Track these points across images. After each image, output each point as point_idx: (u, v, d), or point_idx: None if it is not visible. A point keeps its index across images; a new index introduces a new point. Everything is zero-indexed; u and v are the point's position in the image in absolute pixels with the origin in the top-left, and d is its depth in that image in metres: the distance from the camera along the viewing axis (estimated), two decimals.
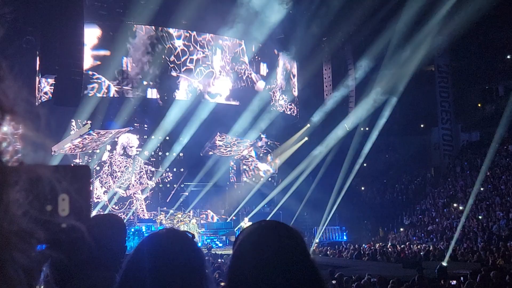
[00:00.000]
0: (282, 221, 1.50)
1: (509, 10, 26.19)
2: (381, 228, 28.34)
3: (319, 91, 30.48)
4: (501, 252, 16.79)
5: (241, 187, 29.85)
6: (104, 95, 23.84)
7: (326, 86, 30.82)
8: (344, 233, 28.41)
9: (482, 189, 25.89)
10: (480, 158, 28.34)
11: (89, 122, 24.04)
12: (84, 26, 18.52)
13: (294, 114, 30.56)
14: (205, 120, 25.59)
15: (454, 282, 10.99)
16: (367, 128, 30.02)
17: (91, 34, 22.69)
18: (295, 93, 30.40)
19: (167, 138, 26.52)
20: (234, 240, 1.45)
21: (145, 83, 24.75)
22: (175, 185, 27.71)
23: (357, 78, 29.56)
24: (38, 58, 21.34)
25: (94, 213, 22.62)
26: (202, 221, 26.28)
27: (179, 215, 24.43)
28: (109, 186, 25.43)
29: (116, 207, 25.20)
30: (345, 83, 30.00)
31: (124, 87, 24.27)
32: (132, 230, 21.82)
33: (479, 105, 34.79)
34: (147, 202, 26.40)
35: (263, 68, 28.52)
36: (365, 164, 29.83)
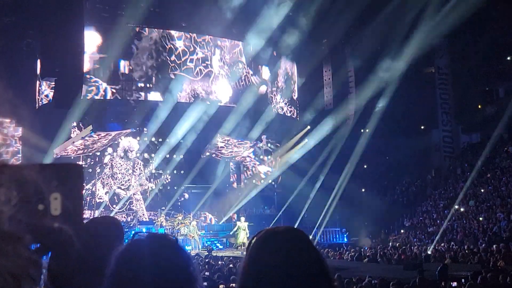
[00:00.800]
0: (283, 224, 1.51)
1: (509, 12, 26.19)
2: (382, 230, 28.27)
3: (319, 92, 30.49)
4: (502, 254, 16.74)
5: (241, 189, 29.83)
6: (102, 98, 23.97)
7: (326, 88, 30.82)
8: (345, 235, 28.37)
9: (482, 190, 25.87)
10: (481, 159, 28.30)
11: (91, 125, 24.15)
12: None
13: (294, 116, 30.61)
14: (206, 122, 25.65)
15: (455, 283, 10.95)
16: (367, 130, 30.02)
17: (88, 37, 22.70)
18: (295, 96, 30.52)
19: (167, 140, 26.58)
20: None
21: (143, 85, 24.83)
22: (175, 187, 27.70)
23: (357, 78, 29.56)
24: (38, 61, 21.39)
25: (96, 213, 22.88)
26: (202, 223, 26.25)
27: (180, 217, 24.40)
28: (110, 187, 25.50)
29: (117, 207, 25.42)
30: (345, 84, 30.02)
31: (121, 90, 24.45)
32: (133, 232, 21.77)
33: (480, 106, 34.77)
34: (147, 203, 26.46)
35: (265, 72, 28.77)
36: (365, 166, 29.81)
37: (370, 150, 29.06)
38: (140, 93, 25.44)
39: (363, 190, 32.82)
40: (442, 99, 34.68)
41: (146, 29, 25.34)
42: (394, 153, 33.15)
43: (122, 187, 25.87)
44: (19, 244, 0.58)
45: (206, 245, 23.92)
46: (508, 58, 32.57)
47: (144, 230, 22.43)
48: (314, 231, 26.96)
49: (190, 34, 26.27)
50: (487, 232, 21.95)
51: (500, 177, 26.74)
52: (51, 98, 21.08)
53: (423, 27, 25.69)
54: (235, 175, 30.67)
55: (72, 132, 24.58)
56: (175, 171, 27.85)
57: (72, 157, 24.62)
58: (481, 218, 23.76)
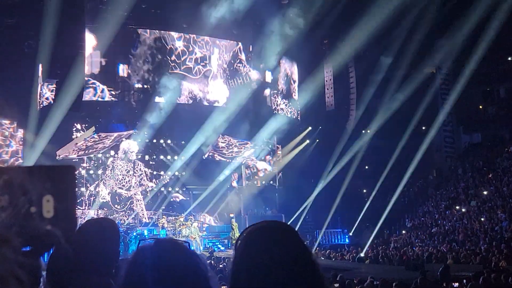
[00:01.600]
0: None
1: (510, 12, 26.15)
2: (384, 230, 28.23)
3: (320, 93, 30.47)
4: (504, 254, 16.71)
5: (242, 190, 29.82)
6: (99, 99, 24.11)
7: (328, 89, 30.81)
8: (346, 236, 28.35)
9: (485, 192, 25.84)
10: (482, 159, 28.29)
11: (93, 126, 24.27)
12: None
13: (295, 117, 30.64)
14: (206, 123, 25.71)
15: (456, 284, 10.93)
16: (368, 131, 30.01)
17: (87, 40, 22.79)
18: (296, 97, 30.56)
19: (169, 141, 26.61)
20: (236, 241, 1.44)
21: (140, 86, 24.95)
22: (177, 188, 27.71)
23: (358, 79, 29.56)
24: (40, 63, 21.45)
25: (99, 212, 23.00)
26: (204, 225, 26.25)
27: (181, 219, 24.39)
28: (112, 187, 25.74)
29: (118, 207, 25.72)
30: (346, 85, 30.02)
31: (121, 94, 24.68)
32: (134, 234, 21.82)
33: (481, 107, 34.74)
34: (147, 203, 26.58)
35: (268, 76, 29.01)
36: (366, 167, 29.77)
37: (371, 150, 29.02)
38: (140, 95, 25.54)
39: (364, 190, 32.77)
40: (443, 99, 34.64)
41: (148, 30, 25.44)
42: (395, 154, 33.09)
43: (123, 188, 26.03)
44: (6, 246, 0.57)
45: (208, 246, 23.91)
46: (509, 58, 32.55)
47: (146, 232, 22.50)
48: (315, 232, 26.95)
49: (190, 35, 26.56)
50: (488, 232, 21.93)
51: (502, 177, 26.71)
52: (52, 101, 21.15)
53: (424, 26, 25.69)
54: (236, 177, 30.64)
55: (74, 133, 24.65)
56: (176, 172, 27.88)
57: (76, 159, 24.80)
58: (482, 219, 23.73)
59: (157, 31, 25.67)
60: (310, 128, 30.41)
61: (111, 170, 26.05)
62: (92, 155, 25.39)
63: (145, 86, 25.26)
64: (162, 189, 27.48)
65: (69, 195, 0.71)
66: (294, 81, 30.67)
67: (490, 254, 17.17)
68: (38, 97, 23.83)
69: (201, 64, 26.76)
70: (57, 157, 23.47)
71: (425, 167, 33.71)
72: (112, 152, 26.07)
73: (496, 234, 21.48)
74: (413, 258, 18.90)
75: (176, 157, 27.39)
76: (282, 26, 26.88)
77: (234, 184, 29.86)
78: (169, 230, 23.28)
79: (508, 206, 23.53)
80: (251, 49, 28.23)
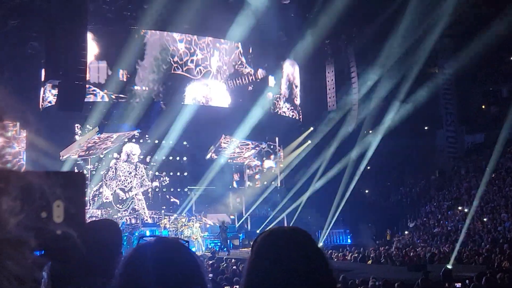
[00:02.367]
0: (286, 225, 1.53)
1: None
2: (387, 231, 28.19)
3: (322, 94, 30.46)
4: (507, 254, 16.68)
5: (244, 191, 29.84)
6: (100, 100, 24.29)
7: (329, 89, 30.80)
8: (348, 236, 28.34)
9: (488, 194, 25.80)
10: (485, 160, 28.23)
11: (97, 126, 24.34)
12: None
13: (297, 118, 30.68)
14: (208, 123, 25.76)
15: (459, 285, 10.92)
16: (370, 131, 29.98)
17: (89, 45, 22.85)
18: (297, 102, 30.71)
19: (170, 142, 26.66)
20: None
21: (139, 88, 25.07)
22: (179, 189, 27.76)
23: (360, 80, 29.53)
24: (43, 65, 21.47)
25: (102, 211, 23.13)
26: (207, 225, 26.29)
27: (183, 219, 24.44)
28: (113, 188, 25.96)
29: (120, 206, 25.99)
30: (348, 86, 29.99)
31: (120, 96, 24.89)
32: (136, 234, 21.88)
33: (483, 107, 34.70)
34: (148, 202, 26.71)
35: (271, 80, 29.20)
36: (368, 167, 29.76)
37: (373, 151, 28.99)
38: (142, 98, 25.67)
39: (366, 191, 32.78)
40: (446, 99, 34.61)
41: (148, 31, 25.52)
42: (398, 154, 33.11)
43: (125, 189, 26.18)
44: (26, 248, 0.59)
45: (210, 247, 23.95)
46: None
47: (148, 232, 22.55)
48: (318, 232, 26.94)
49: (191, 36, 26.72)
50: (491, 233, 21.90)
51: (505, 177, 26.67)
52: (54, 102, 21.18)
53: (426, 26, 25.66)
54: (238, 177, 30.68)
55: (78, 134, 24.74)
56: (178, 173, 27.92)
57: (80, 160, 24.95)
58: (485, 219, 23.70)
59: (158, 32, 25.73)
60: (311, 128, 30.41)
61: (113, 171, 26.22)
62: (94, 156, 25.48)
63: (146, 88, 25.33)
64: (164, 190, 27.55)
65: (79, 201, 0.73)
66: (296, 86, 30.86)
67: (493, 255, 17.15)
68: (41, 98, 23.90)
69: (202, 65, 27.01)
70: (61, 158, 23.54)
71: (428, 168, 33.71)
72: (116, 155, 26.24)
73: (499, 234, 21.46)
74: (416, 259, 18.91)
75: (178, 158, 27.42)
76: (283, 27, 26.90)
77: (236, 178, 29.92)
78: (171, 231, 23.33)
79: (511, 207, 23.51)
80: (250, 51, 28.40)
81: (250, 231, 27.48)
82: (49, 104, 23.26)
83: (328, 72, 30.89)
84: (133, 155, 26.58)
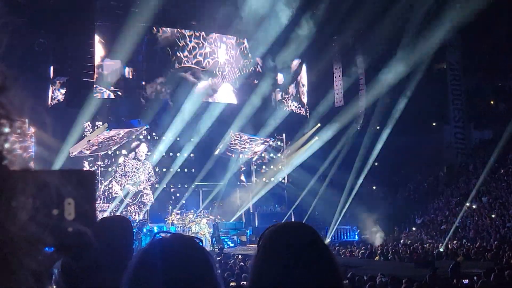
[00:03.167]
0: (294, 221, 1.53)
1: None
2: (394, 227, 28.14)
3: (329, 90, 30.41)
4: None
5: (251, 187, 29.88)
6: (107, 97, 24.45)
7: (337, 85, 30.74)
8: (356, 233, 28.31)
9: (496, 190, 25.67)
10: (493, 156, 28.06)
11: (106, 123, 24.47)
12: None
13: (304, 115, 30.69)
14: (216, 119, 25.84)
15: (466, 281, 10.89)
16: (378, 127, 29.89)
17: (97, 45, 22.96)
18: (305, 100, 30.78)
19: (178, 138, 26.74)
20: (259, 239, 1.48)
21: (152, 86, 25.21)
22: (186, 186, 27.83)
23: (368, 76, 29.45)
24: (51, 62, 21.60)
25: (112, 205, 23.28)
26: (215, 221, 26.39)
27: (190, 216, 24.51)
28: (122, 183, 26.24)
29: (130, 200, 26.25)
30: (355, 82, 29.93)
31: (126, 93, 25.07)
32: (144, 230, 21.97)
33: (492, 102, 34.47)
34: (155, 197, 26.86)
35: (280, 78, 29.29)
36: (376, 163, 29.70)
37: (381, 147, 28.92)
38: (150, 93, 25.81)
39: (374, 187, 32.71)
40: (454, 95, 34.41)
41: (160, 29, 25.77)
42: (406, 150, 32.99)
43: (133, 184, 26.36)
44: (42, 245, 0.61)
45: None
46: None
47: (155, 228, 22.63)
48: (325, 228, 26.94)
49: (199, 32, 27.09)
50: (499, 229, 21.79)
51: None
52: (64, 98, 21.32)
53: (434, 22, 25.52)
54: (245, 174, 30.68)
55: (86, 130, 24.87)
56: (185, 170, 27.98)
57: (89, 157, 25.09)
58: (493, 215, 23.58)
59: (169, 29, 26.03)
60: (319, 125, 30.38)
61: (122, 168, 26.39)
62: (103, 152, 25.62)
63: (153, 85, 25.46)
64: (172, 185, 27.64)
65: (89, 199, 0.74)
66: (303, 85, 30.94)
67: (501, 251, 17.07)
68: (50, 95, 24.00)
69: (210, 57, 27.58)
70: (70, 155, 23.66)
71: (436, 164, 33.56)
72: (125, 152, 26.42)
73: (507, 230, 21.35)
74: (423, 255, 18.86)
75: (185, 154, 27.49)
76: (291, 24, 26.86)
77: (242, 178, 29.97)
78: (178, 227, 23.40)
79: None
80: (256, 46, 28.62)
81: (257, 227, 27.54)
82: (57, 102, 23.39)
83: (336, 68, 30.83)
84: (142, 152, 26.79)
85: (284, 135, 30.82)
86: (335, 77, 30.77)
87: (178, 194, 27.64)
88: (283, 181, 30.50)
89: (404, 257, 19.02)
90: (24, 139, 0.61)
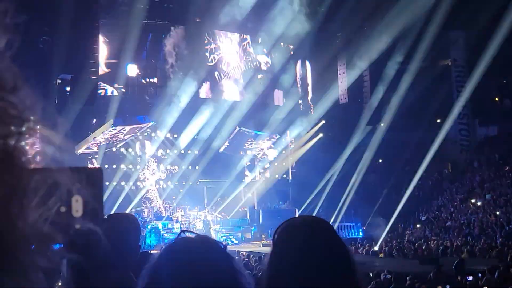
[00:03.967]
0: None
1: None
2: (398, 224, 28.08)
3: (333, 86, 30.36)
4: None
5: (255, 184, 29.87)
6: (111, 94, 24.50)
7: (341, 82, 30.68)
8: (360, 230, 28.27)
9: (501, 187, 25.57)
10: (498, 152, 27.97)
11: (111, 119, 24.50)
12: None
13: (308, 111, 30.68)
14: (220, 116, 25.87)
15: (470, 278, 10.87)
16: (382, 124, 29.82)
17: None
18: (309, 97, 30.78)
19: (182, 135, 26.76)
20: (273, 234, 1.45)
21: (157, 82, 25.22)
22: (190, 183, 27.87)
23: (372, 72, 29.38)
24: (56, 59, 21.60)
25: (119, 201, 23.30)
26: (218, 218, 26.43)
27: (195, 212, 24.56)
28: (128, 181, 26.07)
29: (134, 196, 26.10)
30: (359, 78, 29.86)
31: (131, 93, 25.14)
32: (149, 227, 21.99)
33: (497, 99, 34.31)
34: (160, 194, 26.90)
35: (284, 75, 29.42)
36: (380, 160, 29.63)
37: (385, 143, 28.86)
38: (153, 90, 25.85)
39: (378, 184, 32.63)
40: (459, 91, 34.25)
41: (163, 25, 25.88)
42: (409, 147, 32.87)
43: (138, 182, 26.43)
44: (53, 243, 0.62)
45: (222, 240, 24.05)
46: None
47: (160, 225, 22.67)
48: None
49: (203, 28, 27.20)
50: (504, 226, 21.72)
51: None
52: (68, 95, 21.35)
53: (438, 18, 25.40)
54: (250, 170, 30.69)
55: (92, 128, 24.95)
56: (189, 167, 28.01)
57: (95, 153, 25.14)
58: (498, 212, 23.50)
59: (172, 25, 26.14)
60: (323, 121, 30.33)
61: (127, 165, 26.44)
62: (108, 149, 25.67)
63: (156, 81, 25.50)
64: (176, 182, 27.68)
65: (97, 196, 0.75)
66: (308, 82, 30.93)
67: (506, 248, 17.02)
68: (54, 92, 24.05)
69: (215, 53, 27.83)
70: (76, 152, 23.71)
71: (440, 160, 33.42)
72: (130, 150, 26.47)
73: None
74: (428, 252, 18.83)
75: (189, 151, 27.52)
76: (295, 20, 26.83)
77: (247, 173, 29.97)
78: (183, 224, 23.45)
79: None
80: (260, 42, 28.74)
81: (261, 224, 27.55)
82: (62, 97, 23.43)
83: (340, 65, 30.77)
84: (144, 151, 26.80)
85: (288, 132, 30.80)
86: (339, 74, 30.70)
87: (182, 191, 27.68)
88: (287, 177, 30.48)
89: (409, 254, 19.00)
90: (35, 138, 0.62)
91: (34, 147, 0.62)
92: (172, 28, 26.27)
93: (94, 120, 24.76)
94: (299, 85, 30.54)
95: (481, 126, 34.07)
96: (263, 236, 25.89)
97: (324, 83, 29.88)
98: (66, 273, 1.76)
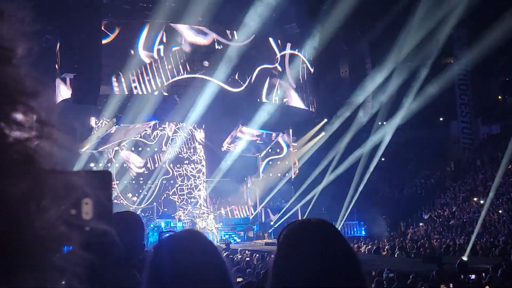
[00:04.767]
0: (301, 217, 1.53)
1: None
2: (401, 223, 28.10)
3: (336, 85, 30.31)
4: None
5: (258, 182, 29.89)
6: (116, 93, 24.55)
7: (344, 80, 30.63)
8: (363, 228, 28.28)
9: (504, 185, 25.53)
10: (501, 151, 27.91)
11: (114, 118, 24.52)
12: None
13: (310, 110, 30.62)
14: (223, 114, 25.86)
15: (473, 276, 10.86)
16: (384, 122, 29.79)
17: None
18: (311, 95, 30.70)
19: (184, 134, 26.79)
20: (278, 236, 1.46)
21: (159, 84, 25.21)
22: (193, 181, 27.89)
23: (375, 71, 29.32)
24: (58, 58, 21.66)
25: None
26: (221, 217, 26.46)
27: (197, 211, 24.59)
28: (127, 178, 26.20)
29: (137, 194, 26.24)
30: (362, 77, 29.81)
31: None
32: (151, 225, 22.04)
33: (499, 97, 34.26)
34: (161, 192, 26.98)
35: (287, 73, 29.33)
36: (383, 159, 29.61)
37: (388, 142, 28.83)
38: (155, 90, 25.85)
39: (380, 182, 32.64)
40: (461, 90, 34.22)
41: (165, 23, 25.76)
42: (412, 145, 32.88)
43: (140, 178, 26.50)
44: (69, 244, 0.64)
45: (224, 238, 24.08)
46: None
47: (162, 224, 22.72)
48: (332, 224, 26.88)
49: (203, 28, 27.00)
50: (507, 224, 21.70)
51: None
52: (71, 94, 21.39)
53: (441, 16, 25.36)
54: (253, 168, 30.69)
55: (95, 126, 24.98)
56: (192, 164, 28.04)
57: (97, 153, 25.19)
58: (501, 211, 23.48)
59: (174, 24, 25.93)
60: (325, 120, 30.30)
61: (127, 164, 26.47)
62: (111, 148, 25.69)
63: (159, 81, 25.48)
64: (178, 181, 27.69)
65: (106, 198, 0.76)
66: (310, 80, 30.87)
67: (509, 246, 17.01)
68: (57, 91, 24.10)
69: (218, 47, 27.43)
70: (80, 151, 23.75)
71: (443, 159, 33.43)
72: (133, 148, 26.50)
73: None
74: (430, 250, 18.82)
75: (191, 150, 27.54)
76: (296, 18, 26.81)
77: (249, 173, 30.00)
78: (185, 222, 23.49)
79: None
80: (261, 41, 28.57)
81: (264, 222, 27.58)
82: (65, 98, 23.48)
83: (342, 64, 30.72)
84: (131, 163, 26.52)
85: (290, 130, 30.78)
86: (342, 72, 30.66)
87: (184, 189, 27.71)
88: (290, 176, 30.48)
89: (411, 252, 19.00)
90: (53, 141, 0.64)
91: (52, 149, 0.64)
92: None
93: (96, 119, 24.77)
94: (301, 83, 30.43)
95: (483, 125, 34.02)
96: (265, 234, 25.93)
97: (327, 81, 29.80)
98: (80, 273, 1.76)
